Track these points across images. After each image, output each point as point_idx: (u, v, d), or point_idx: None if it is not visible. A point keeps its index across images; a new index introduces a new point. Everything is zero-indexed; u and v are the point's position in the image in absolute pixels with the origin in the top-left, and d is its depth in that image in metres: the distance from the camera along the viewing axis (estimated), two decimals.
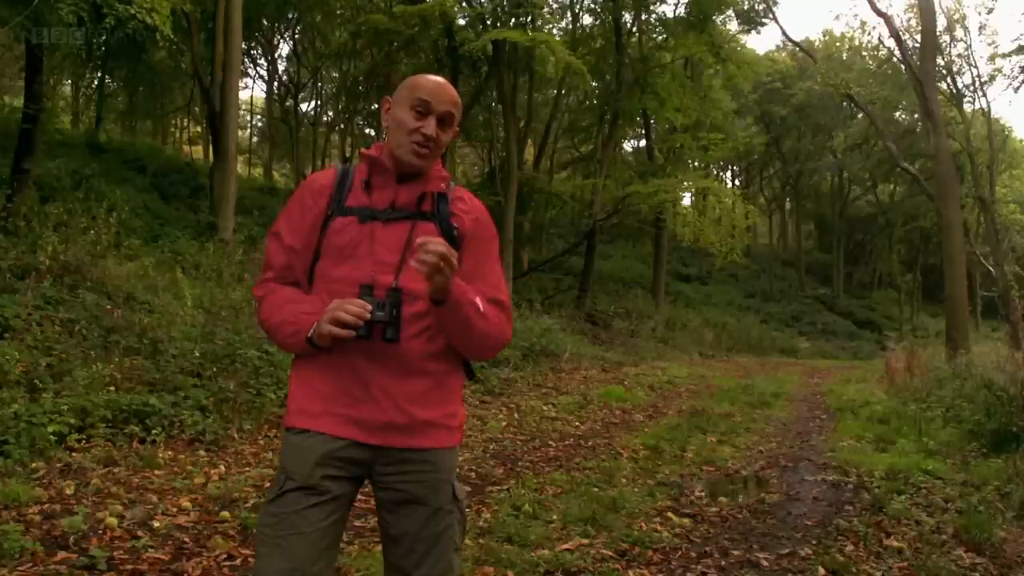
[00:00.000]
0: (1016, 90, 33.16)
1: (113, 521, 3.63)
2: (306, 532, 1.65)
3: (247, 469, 4.91)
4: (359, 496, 1.86)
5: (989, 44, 52.91)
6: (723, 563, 3.73)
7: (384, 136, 1.84)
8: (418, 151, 1.75)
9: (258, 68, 31.00)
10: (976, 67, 34.61)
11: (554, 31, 22.91)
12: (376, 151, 1.82)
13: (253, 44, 26.49)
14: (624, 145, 32.92)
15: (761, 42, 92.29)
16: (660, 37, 22.84)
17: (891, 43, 22.31)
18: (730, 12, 23.44)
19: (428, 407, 1.75)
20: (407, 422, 1.73)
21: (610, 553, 3.74)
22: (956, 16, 25.54)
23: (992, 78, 24.57)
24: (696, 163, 26.24)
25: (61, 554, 3.23)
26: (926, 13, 16.34)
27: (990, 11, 43.79)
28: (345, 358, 1.71)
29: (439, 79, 1.83)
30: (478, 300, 1.73)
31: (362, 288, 1.69)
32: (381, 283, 1.71)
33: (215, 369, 6.20)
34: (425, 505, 1.75)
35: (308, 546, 1.65)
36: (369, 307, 1.65)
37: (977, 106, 26.88)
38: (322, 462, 1.69)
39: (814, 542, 4.08)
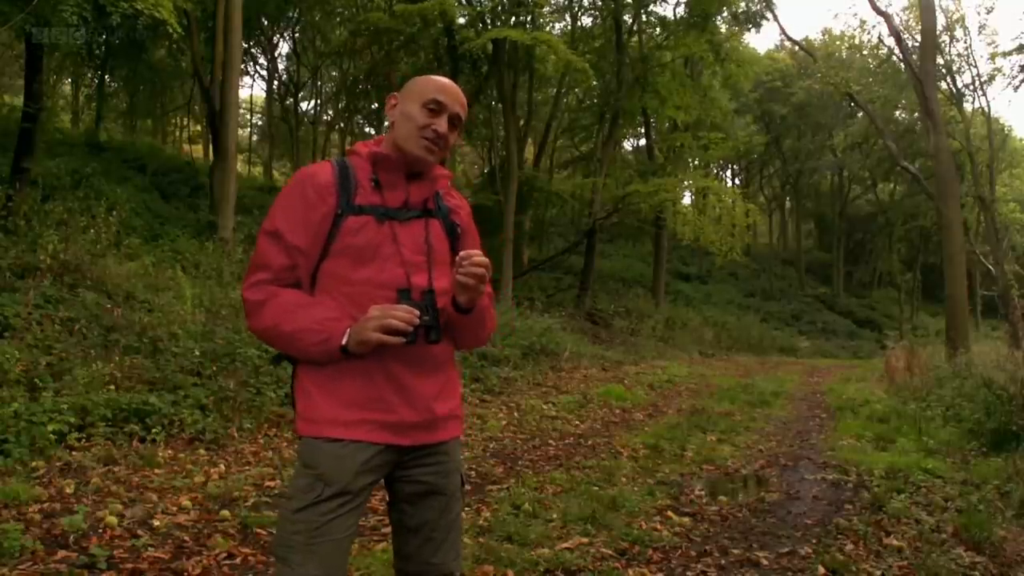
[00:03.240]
0: (1016, 89, 33.19)
1: (113, 520, 3.63)
2: (339, 538, 1.66)
3: (247, 468, 4.92)
4: None
5: (989, 43, 52.74)
6: (723, 562, 3.73)
7: (386, 131, 1.84)
8: (429, 147, 1.76)
9: (258, 67, 31.05)
10: (976, 66, 34.60)
11: (554, 30, 22.94)
12: (376, 146, 1.80)
13: (253, 43, 26.48)
14: (624, 144, 33.01)
15: (761, 41, 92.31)
16: (660, 36, 22.84)
17: (891, 42, 22.37)
18: (730, 11, 23.43)
19: (446, 402, 1.81)
20: (432, 419, 1.77)
21: (610, 552, 3.74)
22: (956, 15, 25.58)
23: (992, 77, 24.59)
24: (696, 162, 26.25)
25: (61, 553, 3.23)
26: (926, 12, 16.32)
27: (990, 10, 43.79)
28: (380, 363, 1.69)
29: (450, 82, 1.84)
30: (487, 300, 1.83)
31: (399, 293, 1.69)
32: (416, 285, 1.71)
33: (215, 368, 6.20)
34: (443, 494, 1.81)
35: (340, 552, 1.68)
36: (417, 312, 1.65)
37: (977, 105, 26.95)
38: (362, 469, 1.69)
39: (814, 541, 4.09)
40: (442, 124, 1.76)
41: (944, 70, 24.20)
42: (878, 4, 24.84)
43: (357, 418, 1.69)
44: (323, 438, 1.69)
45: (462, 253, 1.66)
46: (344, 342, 1.65)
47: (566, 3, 23.11)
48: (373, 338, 1.62)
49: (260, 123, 40.01)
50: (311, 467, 1.68)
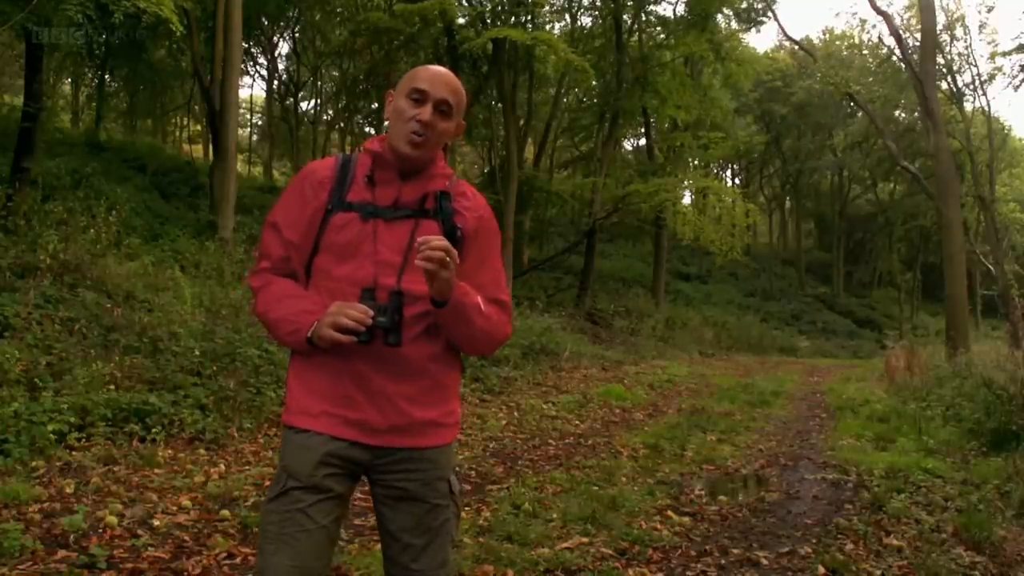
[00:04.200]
0: (1016, 89, 33.19)
1: (113, 520, 3.63)
2: (311, 529, 1.66)
3: (247, 468, 4.92)
4: (358, 494, 1.87)
5: (989, 43, 52.82)
6: (723, 561, 3.73)
7: (385, 130, 1.82)
8: (413, 140, 1.70)
9: (258, 67, 31.01)
10: (976, 66, 34.50)
11: (554, 30, 22.95)
12: (378, 145, 1.78)
13: (253, 43, 26.47)
14: (624, 144, 32.99)
15: (761, 41, 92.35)
16: (660, 36, 22.84)
17: (891, 41, 22.39)
18: (732, 9, 23.43)
19: (428, 407, 1.75)
20: (407, 423, 1.72)
21: (610, 552, 3.74)
22: (956, 15, 25.59)
23: (992, 77, 24.61)
24: (696, 162, 26.23)
25: (61, 552, 3.23)
26: (926, 12, 16.32)
27: (990, 9, 43.84)
28: (346, 361, 1.68)
29: (439, 68, 1.79)
30: (479, 300, 1.73)
31: (363, 292, 1.66)
32: (383, 285, 1.68)
33: (215, 368, 6.20)
34: (423, 501, 1.75)
35: (313, 543, 1.66)
36: (371, 312, 1.62)
37: (977, 105, 26.93)
38: (324, 461, 1.68)
39: (814, 541, 4.09)
40: (425, 112, 1.70)
41: (944, 69, 24.19)
42: (878, 4, 24.87)
43: (322, 410, 1.70)
44: (293, 428, 1.73)
45: (420, 238, 1.59)
46: (309, 335, 1.67)
47: (566, 3, 23.11)
48: (325, 334, 1.64)
49: (260, 123, 40.01)
50: (281, 458, 1.74)
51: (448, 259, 1.57)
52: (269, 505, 1.70)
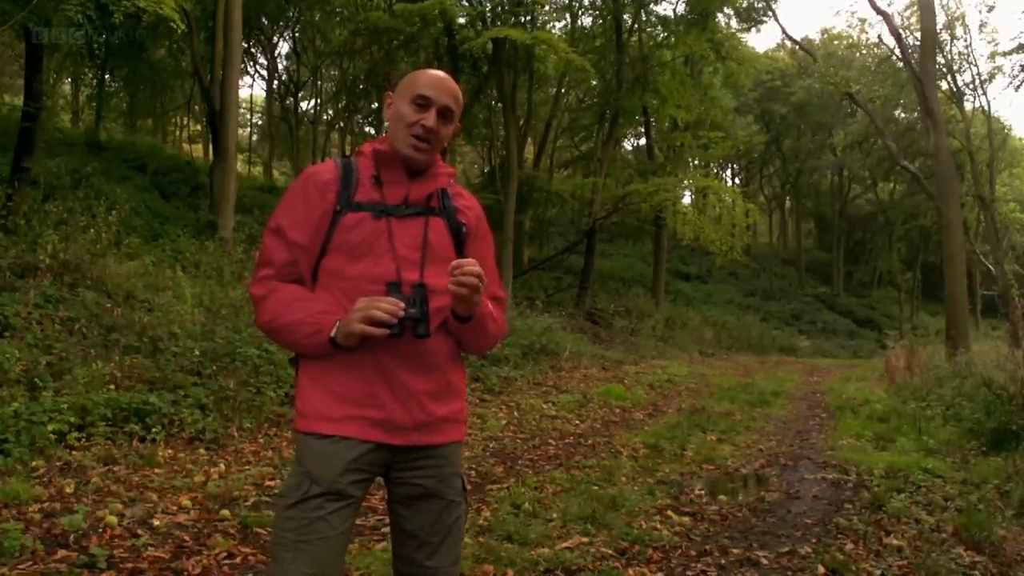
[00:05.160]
0: (1016, 88, 33.19)
1: (113, 519, 3.63)
2: (330, 536, 1.65)
3: (247, 467, 4.92)
4: None
5: (989, 42, 52.98)
6: (723, 561, 3.73)
7: (386, 130, 1.85)
8: (417, 145, 1.75)
9: (258, 66, 31.00)
10: (976, 65, 34.63)
11: (554, 29, 22.95)
12: (380, 145, 1.81)
13: (253, 42, 26.47)
14: (624, 144, 32.98)
15: (761, 41, 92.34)
16: (661, 35, 22.85)
17: (891, 41, 22.36)
18: (730, 10, 23.43)
19: (444, 403, 1.78)
20: (428, 420, 1.75)
21: (610, 551, 3.74)
22: (956, 14, 25.60)
23: (992, 76, 24.67)
24: (696, 162, 26.23)
25: (61, 552, 3.23)
26: (926, 11, 16.33)
27: (990, 9, 43.80)
28: (369, 358, 1.69)
29: (440, 73, 1.83)
30: (491, 307, 1.80)
31: (389, 286, 1.69)
32: (407, 280, 1.70)
33: (215, 367, 6.20)
34: (440, 498, 1.78)
35: (332, 550, 1.66)
36: (402, 304, 1.65)
37: (977, 104, 26.94)
38: (349, 467, 1.68)
39: (814, 540, 4.09)
40: (430, 119, 1.75)
41: (944, 69, 24.20)
42: (878, 3, 24.86)
43: (346, 414, 1.69)
44: (313, 434, 1.71)
45: (454, 262, 1.65)
46: (333, 334, 1.67)
47: (566, 3, 23.12)
48: (357, 329, 1.63)
49: (260, 123, 40.00)
50: (300, 463, 1.71)
51: (480, 284, 1.65)
52: (287, 512, 1.68)
